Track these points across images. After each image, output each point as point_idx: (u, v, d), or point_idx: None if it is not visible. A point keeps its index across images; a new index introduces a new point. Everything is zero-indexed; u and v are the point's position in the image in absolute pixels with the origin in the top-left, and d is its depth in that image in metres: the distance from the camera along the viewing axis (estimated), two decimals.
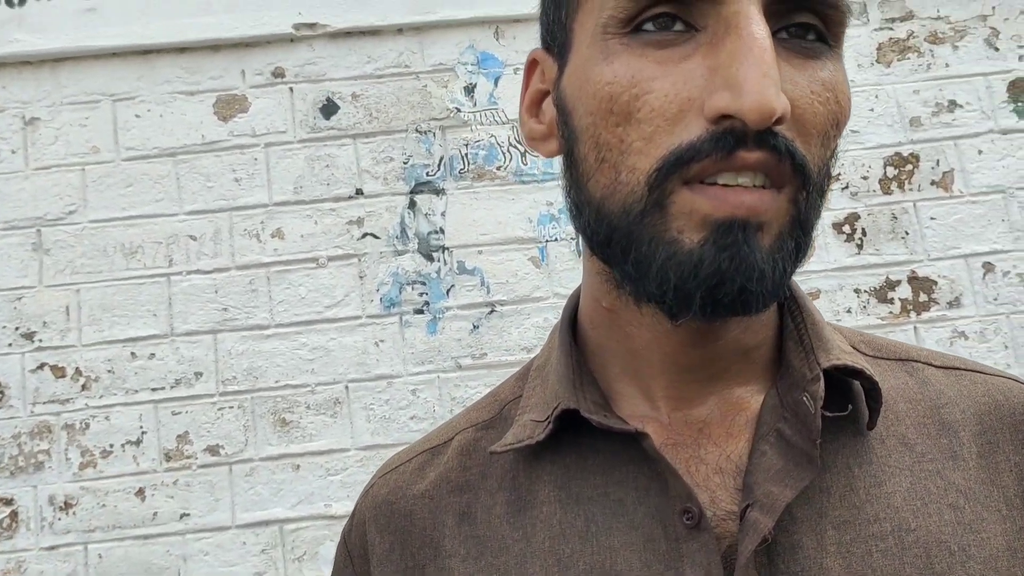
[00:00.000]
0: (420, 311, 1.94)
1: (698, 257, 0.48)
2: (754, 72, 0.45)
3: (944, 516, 0.53)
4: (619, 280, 0.55)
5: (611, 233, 0.52)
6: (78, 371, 1.90)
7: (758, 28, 0.46)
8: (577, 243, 1.95)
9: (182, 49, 2.00)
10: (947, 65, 2.04)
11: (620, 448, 0.56)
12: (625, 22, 0.50)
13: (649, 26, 0.49)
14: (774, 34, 0.48)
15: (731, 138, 0.47)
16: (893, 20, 2.05)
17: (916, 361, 0.63)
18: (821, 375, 0.54)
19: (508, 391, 0.67)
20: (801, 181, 0.49)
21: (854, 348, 0.62)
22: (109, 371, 1.90)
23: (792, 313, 0.60)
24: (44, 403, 1.88)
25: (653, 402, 0.58)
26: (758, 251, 0.48)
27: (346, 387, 1.91)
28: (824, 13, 0.50)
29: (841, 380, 0.56)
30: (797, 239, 0.51)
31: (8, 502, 1.85)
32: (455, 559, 0.59)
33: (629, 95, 0.49)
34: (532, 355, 0.68)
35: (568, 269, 1.94)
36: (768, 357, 0.59)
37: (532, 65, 0.62)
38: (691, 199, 0.48)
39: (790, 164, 0.48)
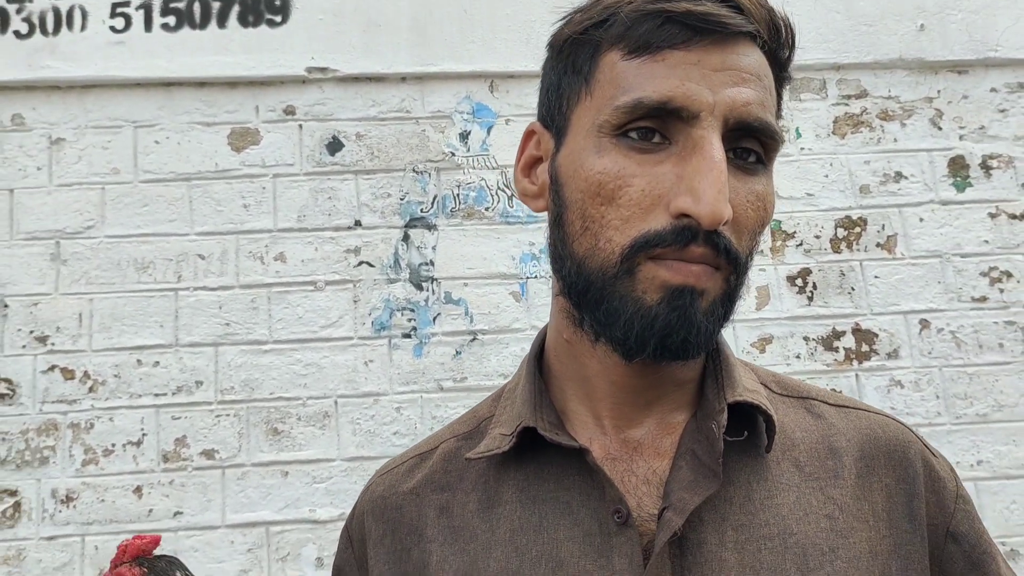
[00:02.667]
0: (408, 335, 2.10)
1: (655, 314, 0.62)
2: (712, 188, 0.59)
3: (820, 524, 0.67)
4: (579, 319, 0.69)
5: (588, 286, 0.65)
6: (87, 374, 2.04)
7: (718, 152, 0.61)
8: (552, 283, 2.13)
9: (201, 84, 2.17)
10: (895, 140, 2.25)
11: (569, 460, 0.69)
12: (616, 127, 0.63)
13: (634, 134, 0.63)
14: (726, 152, 0.63)
15: (688, 233, 0.61)
16: (849, 97, 2.27)
17: (814, 399, 0.76)
18: (726, 408, 0.68)
19: (485, 410, 0.80)
20: (733, 267, 0.64)
21: (764, 385, 0.76)
22: (116, 375, 2.04)
23: (713, 357, 0.73)
24: (53, 402, 2.02)
25: (599, 422, 0.71)
26: (699, 312, 0.62)
27: (335, 402, 2.06)
28: (764, 142, 0.65)
29: (747, 412, 0.69)
30: (725, 307, 0.66)
31: (12, 493, 1.98)
32: (434, 544, 0.72)
33: (614, 184, 0.63)
34: (509, 380, 0.83)
35: (546, 304, 2.12)
36: (694, 390, 0.72)
37: (530, 135, 0.75)
38: (654, 269, 0.62)
39: (726, 256, 0.63)
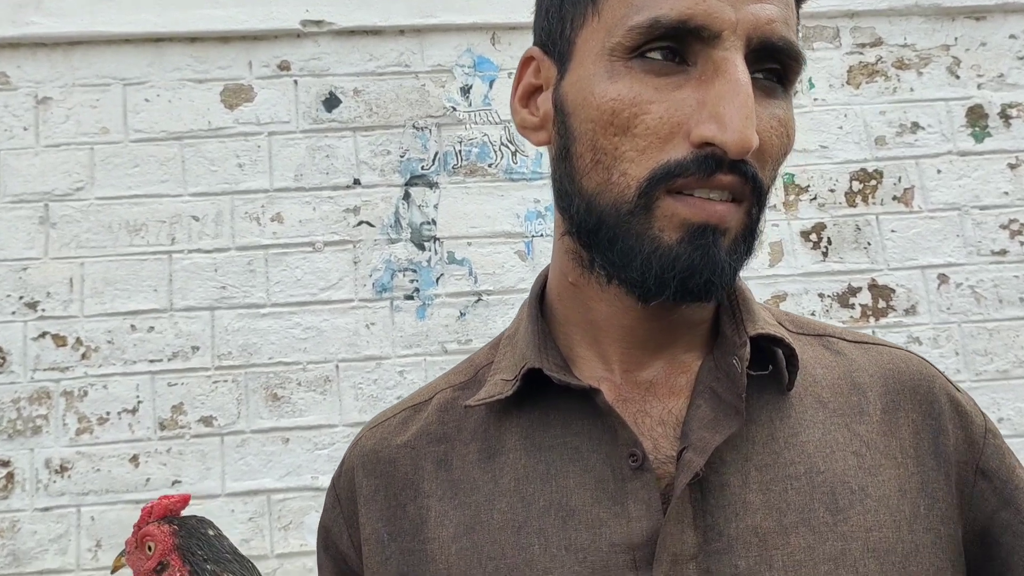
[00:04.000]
0: (410, 297, 2.04)
1: (676, 253, 0.57)
2: (738, 113, 0.55)
3: (848, 461, 0.63)
4: (588, 261, 0.64)
5: (599, 225, 0.61)
6: (79, 340, 1.98)
7: (743, 75, 0.56)
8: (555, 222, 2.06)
9: (192, 39, 2.10)
10: (911, 89, 2.18)
11: (577, 404, 0.65)
12: (630, 50, 0.58)
13: (651, 55, 0.58)
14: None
15: (712, 162, 0.56)
16: (863, 45, 2.20)
17: (832, 336, 0.73)
18: (748, 341, 0.64)
19: (482, 357, 0.76)
20: (756, 199, 0.60)
21: (779, 323, 0.71)
22: (109, 342, 1.98)
23: (728, 292, 0.69)
24: (44, 370, 1.96)
25: (608, 365, 0.67)
26: (721, 251, 0.58)
27: (336, 366, 2.00)
28: (786, 63, 0.60)
29: (766, 348, 0.65)
30: (748, 243, 0.62)
31: (5, 463, 1.92)
32: (433, 499, 0.67)
33: (629, 112, 0.58)
34: (507, 327, 0.78)
35: None
36: (708, 329, 0.68)
37: (528, 61, 0.69)
38: (673, 205, 0.57)
39: (751, 187, 0.59)
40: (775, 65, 0.60)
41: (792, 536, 0.60)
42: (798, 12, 0.64)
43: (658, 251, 0.58)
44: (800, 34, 0.65)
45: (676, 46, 0.58)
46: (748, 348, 0.64)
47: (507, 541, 0.63)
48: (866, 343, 0.73)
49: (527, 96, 0.70)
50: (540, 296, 0.74)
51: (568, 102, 0.63)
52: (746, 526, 0.60)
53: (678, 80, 0.58)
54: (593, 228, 0.62)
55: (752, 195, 0.60)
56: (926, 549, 0.62)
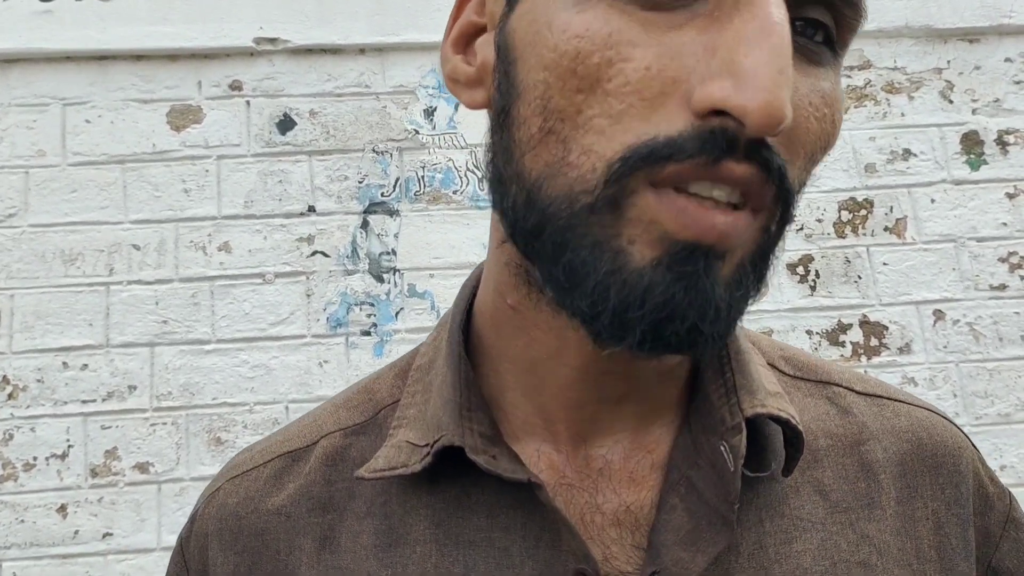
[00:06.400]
0: (367, 333, 1.89)
1: (648, 280, 0.39)
2: (769, 65, 0.36)
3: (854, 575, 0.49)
4: (529, 275, 0.48)
5: (543, 224, 0.42)
6: (5, 379, 1.82)
7: (778, 10, 0.37)
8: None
9: (138, 57, 1.97)
10: (903, 115, 2.07)
11: (509, 488, 0.49)
12: None
13: None
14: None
15: (722, 140, 0.38)
16: (851, 68, 2.08)
17: (838, 385, 0.57)
18: (743, 424, 0.48)
19: (385, 391, 0.59)
20: (780, 207, 0.42)
21: (772, 366, 0.57)
22: (38, 380, 1.82)
23: None
24: None
25: (551, 426, 0.51)
26: (718, 284, 0.40)
27: (286, 407, 1.85)
28: (840, 12, 0.42)
29: (762, 428, 0.51)
30: (759, 272, 0.43)
31: None
32: None
33: (601, 57, 0.39)
34: (419, 347, 0.60)
35: None
36: (684, 383, 0.53)
37: None
38: (654, 206, 0.39)
39: (776, 188, 0.40)
40: (823, 14, 0.42)
41: None
42: None
43: (621, 273, 0.40)
44: None
45: None
46: (744, 435, 0.47)
47: None
48: (880, 397, 0.57)
49: (463, 40, 0.51)
50: (464, 323, 0.55)
51: (515, 42, 0.44)
52: None
53: (678, 16, 0.39)
54: (534, 229, 0.43)
55: (775, 201, 0.41)
56: None
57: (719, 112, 0.38)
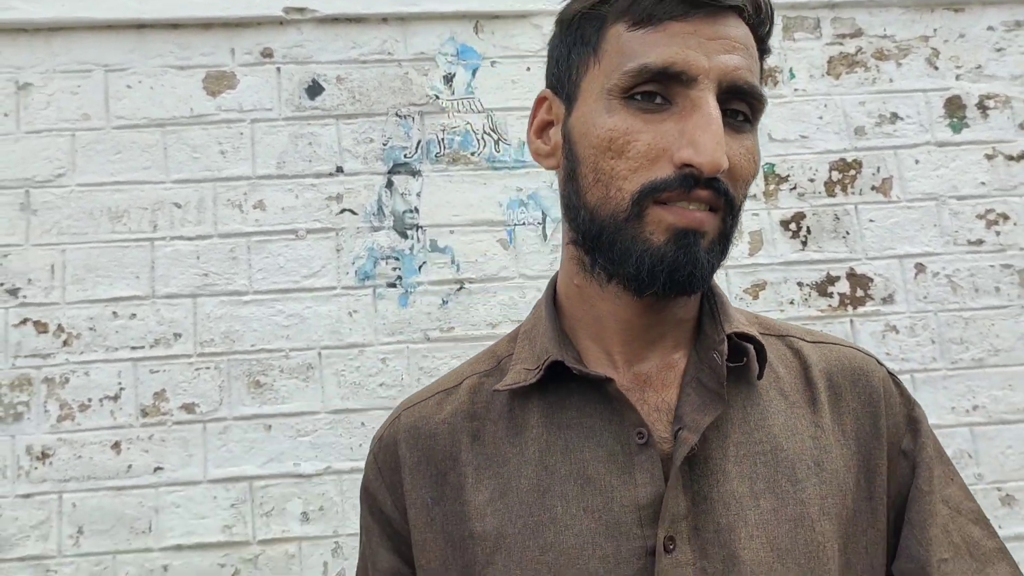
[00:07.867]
0: (393, 285, 2.04)
1: (663, 252, 0.70)
2: (710, 140, 0.68)
3: (806, 443, 0.77)
4: (590, 264, 0.78)
5: (600, 231, 0.74)
6: (60, 327, 1.97)
7: (714, 110, 0.69)
8: (543, 228, 2.08)
9: (175, 25, 2.09)
10: (891, 80, 2.20)
11: (590, 390, 0.78)
12: (624, 90, 0.72)
13: (639, 97, 0.72)
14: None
15: (691, 179, 0.69)
16: (844, 36, 2.21)
17: (792, 336, 0.87)
18: (725, 338, 0.78)
19: (503, 349, 0.89)
20: (728, 210, 0.73)
21: (750, 324, 0.85)
22: (91, 328, 1.98)
23: (708, 297, 0.83)
24: (26, 357, 1.96)
25: (611, 358, 0.80)
26: (701, 250, 0.71)
27: (319, 353, 2.01)
28: (750, 103, 0.73)
29: (739, 345, 0.79)
30: (722, 246, 0.75)
31: None
32: (469, 467, 0.80)
33: (623, 140, 0.71)
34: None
35: (534, 252, 2.07)
36: (692, 327, 0.82)
37: (541, 101, 0.84)
38: (660, 213, 0.71)
39: (724, 199, 0.72)
40: (742, 106, 0.73)
41: (761, 500, 0.73)
42: (762, 64, 0.77)
43: (649, 251, 0.71)
44: (764, 76, 0.78)
45: (661, 89, 0.71)
46: (726, 344, 0.77)
47: (534, 503, 0.75)
48: (821, 342, 0.87)
49: (541, 129, 0.85)
50: (553, 297, 0.87)
51: (575, 133, 0.77)
52: (725, 491, 0.73)
53: (662, 115, 0.71)
54: (595, 235, 0.75)
55: (725, 206, 0.72)
56: (863, 513, 0.77)
57: (688, 165, 0.69)
